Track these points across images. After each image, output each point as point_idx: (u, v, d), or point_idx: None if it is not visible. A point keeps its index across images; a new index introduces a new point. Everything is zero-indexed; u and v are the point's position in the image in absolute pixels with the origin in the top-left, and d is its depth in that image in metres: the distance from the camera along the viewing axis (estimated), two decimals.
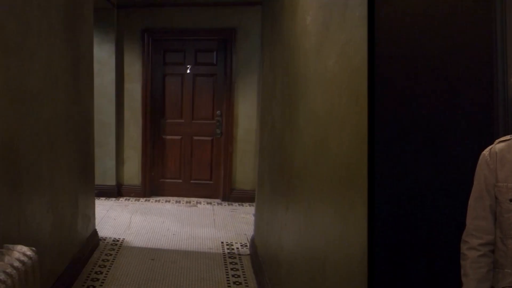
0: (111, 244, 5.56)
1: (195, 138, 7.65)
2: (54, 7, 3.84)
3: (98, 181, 6.15)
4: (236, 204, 7.56)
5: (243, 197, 7.61)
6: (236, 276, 4.73)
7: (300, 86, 2.96)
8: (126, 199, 7.50)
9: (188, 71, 7.47)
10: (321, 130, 2.49)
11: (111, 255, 5.20)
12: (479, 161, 2.04)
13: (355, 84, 2.00)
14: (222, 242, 5.69)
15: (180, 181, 7.73)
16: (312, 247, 2.59)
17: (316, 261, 2.49)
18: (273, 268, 3.83)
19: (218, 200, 7.66)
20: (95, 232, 5.51)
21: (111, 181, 7.49)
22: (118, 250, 5.33)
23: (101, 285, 4.41)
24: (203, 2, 7.19)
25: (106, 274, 4.67)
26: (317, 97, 2.59)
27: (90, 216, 5.29)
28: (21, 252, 2.71)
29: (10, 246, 2.74)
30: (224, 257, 5.26)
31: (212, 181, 7.74)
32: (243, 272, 4.84)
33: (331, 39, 2.36)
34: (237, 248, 5.57)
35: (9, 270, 2.45)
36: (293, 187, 3.09)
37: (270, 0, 4.50)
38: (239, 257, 5.25)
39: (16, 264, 2.56)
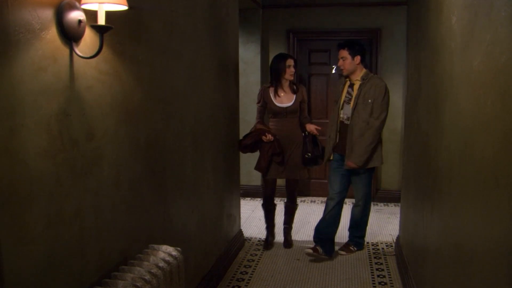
0: (256, 244, 5.66)
1: None
2: (199, 7, 3.91)
3: (243, 181, 6.26)
4: (382, 204, 7.50)
5: (389, 197, 7.53)
6: (381, 276, 4.73)
7: (445, 86, 2.95)
8: None
9: (334, 71, 7.52)
10: (466, 131, 2.48)
11: (256, 255, 5.32)
12: None
13: (501, 85, 1.98)
14: (367, 242, 5.69)
15: (326, 181, 7.83)
16: (458, 246, 2.58)
17: (461, 259, 2.49)
18: (418, 268, 3.82)
19: None
20: (240, 232, 5.59)
21: (256, 181, 7.68)
22: (263, 251, 5.44)
23: (246, 285, 4.52)
24: (347, 2, 7.21)
25: (252, 274, 4.77)
26: (462, 97, 2.57)
27: (235, 216, 5.37)
28: (167, 252, 2.76)
29: (156, 246, 2.81)
30: (369, 257, 5.27)
31: None
32: (388, 272, 4.83)
33: (476, 38, 2.34)
34: (382, 248, 5.55)
35: (154, 270, 2.51)
36: (438, 188, 3.07)
37: (415, 0, 4.47)
38: (384, 257, 5.24)
39: (162, 264, 2.60)
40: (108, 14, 2.20)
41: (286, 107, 5.26)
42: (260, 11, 7.34)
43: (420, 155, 3.83)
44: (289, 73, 5.22)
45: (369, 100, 4.72)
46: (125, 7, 2.19)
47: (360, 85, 4.80)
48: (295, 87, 5.35)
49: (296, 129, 5.30)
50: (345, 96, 4.92)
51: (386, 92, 4.77)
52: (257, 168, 5.33)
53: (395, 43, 7.17)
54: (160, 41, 3.15)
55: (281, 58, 5.26)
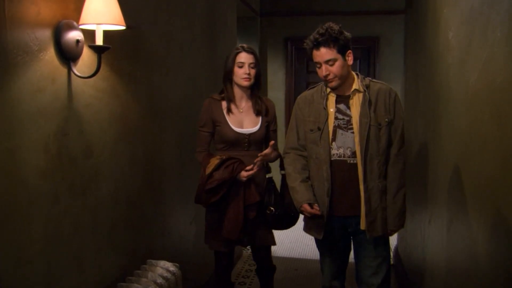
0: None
1: None
2: (197, 18, 3.91)
3: None
4: None
5: None
6: None
7: (443, 99, 2.96)
8: None
9: None
10: (462, 146, 2.49)
11: (254, 265, 5.25)
12: None
13: (497, 105, 2.00)
14: None
15: None
16: (455, 260, 2.59)
17: (459, 272, 2.50)
18: (416, 278, 3.82)
19: None
20: None
21: None
22: None
23: None
24: (345, 11, 7.22)
25: (250, 284, 4.70)
26: (459, 112, 2.59)
27: None
28: (165, 268, 2.72)
29: (154, 262, 2.78)
30: None
31: None
32: None
33: (473, 55, 2.36)
34: None
35: (152, 287, 2.48)
36: (435, 200, 3.09)
37: (413, 11, 4.48)
38: None
39: (160, 280, 2.56)
40: (106, 32, 2.21)
41: (249, 134, 3.24)
42: (258, 19, 7.36)
43: (417, 166, 3.84)
44: (241, 75, 3.20)
45: (386, 119, 2.90)
46: (123, 27, 2.20)
47: (364, 97, 2.91)
48: (259, 102, 3.33)
49: (261, 170, 3.25)
50: (337, 119, 2.94)
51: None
52: (219, 236, 3.24)
53: (393, 51, 7.18)
54: (157, 56, 3.18)
55: (233, 51, 3.28)
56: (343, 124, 2.92)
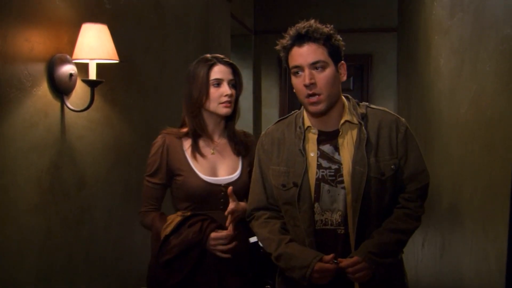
0: None
1: None
2: (191, 38, 3.88)
3: None
4: None
5: None
6: None
7: (434, 125, 2.99)
8: None
9: None
10: (454, 174, 2.51)
11: None
12: None
13: (487, 138, 2.02)
14: None
15: None
16: (447, 283, 2.61)
17: None
18: None
19: None
20: None
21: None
22: None
23: None
24: (338, 29, 7.17)
25: None
26: (450, 137, 2.62)
27: None
28: None
29: None
30: None
31: None
32: None
33: (463, 85, 2.38)
34: None
35: None
36: (428, 224, 3.10)
37: (405, 31, 4.52)
38: None
39: None
40: (100, 64, 2.22)
41: (225, 185, 2.13)
42: (252, 37, 7.39)
43: None
44: (218, 99, 2.13)
45: (392, 166, 1.90)
46: (116, 61, 2.22)
47: (360, 133, 1.90)
48: (243, 136, 2.30)
49: (240, 234, 2.13)
50: (320, 168, 1.91)
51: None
52: None
53: (387, 69, 7.20)
54: (151, 81, 3.17)
55: (202, 64, 2.17)
56: (330, 175, 1.89)
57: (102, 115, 2.51)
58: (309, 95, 1.81)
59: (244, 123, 7.22)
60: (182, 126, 2.20)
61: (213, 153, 2.18)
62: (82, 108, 2.22)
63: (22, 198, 1.92)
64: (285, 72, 7.53)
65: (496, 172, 1.93)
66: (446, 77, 2.73)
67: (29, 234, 1.97)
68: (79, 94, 2.26)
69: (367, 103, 1.99)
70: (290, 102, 7.63)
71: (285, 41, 1.92)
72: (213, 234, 2.01)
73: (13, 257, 1.89)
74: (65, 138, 2.19)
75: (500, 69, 1.89)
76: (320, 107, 1.83)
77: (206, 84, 2.10)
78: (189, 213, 2.09)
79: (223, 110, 2.12)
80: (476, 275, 2.14)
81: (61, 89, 2.11)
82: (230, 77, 2.16)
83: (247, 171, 2.19)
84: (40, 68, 2.01)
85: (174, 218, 2.08)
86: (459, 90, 2.45)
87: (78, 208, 2.31)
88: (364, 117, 1.92)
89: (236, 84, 2.19)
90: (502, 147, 1.86)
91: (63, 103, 2.15)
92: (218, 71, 2.13)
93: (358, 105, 1.97)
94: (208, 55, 2.17)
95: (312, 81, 1.80)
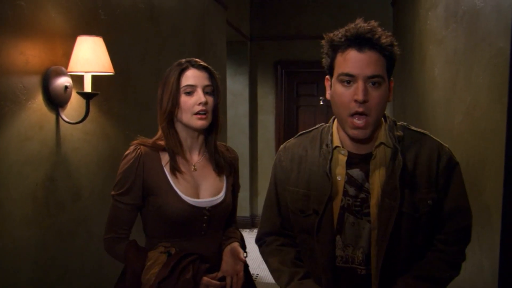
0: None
1: None
2: (187, 45, 3.88)
3: None
4: None
5: None
6: None
7: (430, 131, 2.99)
8: None
9: (321, 103, 7.58)
10: None
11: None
12: None
13: (481, 150, 2.03)
14: None
15: None
16: None
17: None
18: None
19: None
20: None
21: (244, 212, 7.60)
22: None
23: None
24: None
25: None
26: None
27: None
28: None
29: None
30: None
31: None
32: None
33: (458, 96, 2.39)
34: None
35: None
36: None
37: (400, 38, 4.53)
38: None
39: None
40: (95, 76, 2.22)
41: (211, 208, 1.88)
42: (248, 43, 7.40)
43: None
44: (191, 109, 1.84)
45: (428, 201, 1.58)
46: (112, 73, 2.22)
47: (395, 159, 1.58)
48: (226, 152, 2.04)
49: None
50: (346, 195, 1.61)
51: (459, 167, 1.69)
52: None
53: None
54: (146, 92, 3.15)
55: (174, 68, 1.93)
56: (356, 205, 1.60)
57: (98, 127, 2.51)
58: (357, 114, 1.49)
59: (240, 129, 7.22)
60: (160, 137, 1.90)
61: (194, 169, 1.89)
62: (77, 120, 2.22)
63: (17, 211, 1.92)
64: (281, 78, 7.53)
65: (490, 184, 1.94)
66: (441, 87, 2.75)
67: (24, 247, 1.97)
68: (75, 106, 2.26)
69: (405, 124, 1.68)
70: (286, 108, 7.64)
71: (337, 37, 1.55)
72: (205, 279, 1.77)
73: (8, 270, 1.88)
74: (60, 151, 2.19)
75: (494, 82, 1.91)
76: (366, 132, 1.52)
77: (176, 92, 1.84)
78: (173, 250, 1.81)
79: (198, 123, 1.82)
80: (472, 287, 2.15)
81: (56, 102, 2.11)
82: (206, 82, 1.86)
83: (230, 191, 1.96)
84: (35, 81, 2.01)
85: (158, 257, 1.78)
86: (454, 100, 2.47)
87: (73, 220, 2.30)
88: (401, 140, 1.60)
89: (213, 91, 1.88)
90: (496, 159, 1.88)
91: (58, 116, 2.15)
92: (191, 76, 1.85)
93: (396, 125, 1.65)
94: (183, 60, 1.91)
95: (366, 98, 1.48)
